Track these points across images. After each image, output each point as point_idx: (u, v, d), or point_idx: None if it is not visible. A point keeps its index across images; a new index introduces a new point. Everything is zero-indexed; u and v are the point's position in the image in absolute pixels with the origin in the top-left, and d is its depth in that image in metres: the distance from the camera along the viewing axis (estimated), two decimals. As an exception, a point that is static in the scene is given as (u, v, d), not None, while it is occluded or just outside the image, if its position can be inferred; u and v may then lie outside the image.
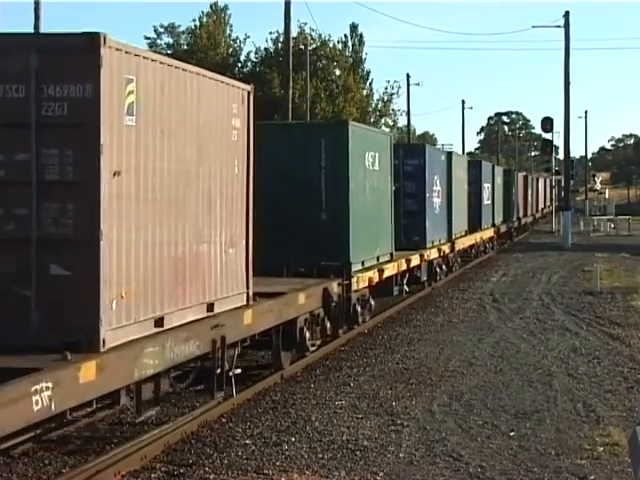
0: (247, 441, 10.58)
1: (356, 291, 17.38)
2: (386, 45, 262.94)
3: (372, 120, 60.93)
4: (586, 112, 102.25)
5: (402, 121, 70.81)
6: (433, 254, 25.92)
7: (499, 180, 43.79)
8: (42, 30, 37.08)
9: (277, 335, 13.90)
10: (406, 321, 20.22)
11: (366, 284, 18.13)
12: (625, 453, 9.47)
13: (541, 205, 76.80)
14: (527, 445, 10.37)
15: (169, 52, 65.06)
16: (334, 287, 16.15)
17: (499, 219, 43.09)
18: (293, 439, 10.64)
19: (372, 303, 19.02)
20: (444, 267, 28.18)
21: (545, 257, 37.80)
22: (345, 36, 63.70)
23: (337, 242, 16.97)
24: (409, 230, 24.31)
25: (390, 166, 20.82)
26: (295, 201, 17.09)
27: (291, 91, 38.64)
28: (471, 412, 11.83)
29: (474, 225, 35.21)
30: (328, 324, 15.98)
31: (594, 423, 11.29)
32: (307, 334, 14.80)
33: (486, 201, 38.60)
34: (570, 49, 45.78)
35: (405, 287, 22.88)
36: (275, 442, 10.53)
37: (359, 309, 17.90)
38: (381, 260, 19.81)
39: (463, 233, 32.05)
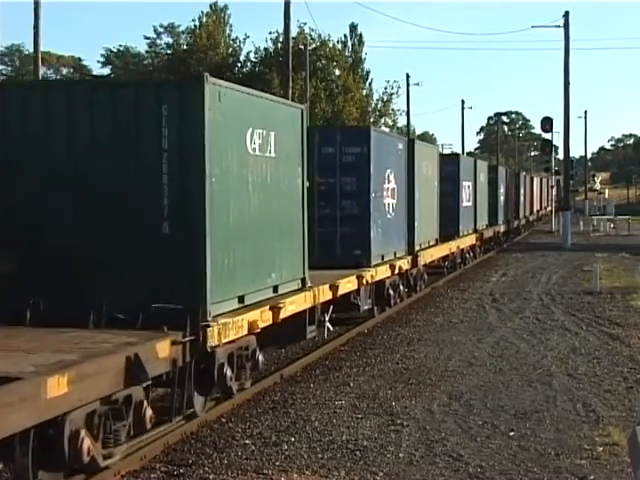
0: (247, 441, 10.59)
1: (221, 346, 11.08)
2: (386, 45, 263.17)
3: (372, 120, 60.92)
4: (586, 112, 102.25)
5: (402, 121, 70.86)
6: (382, 273, 19.47)
7: (483, 177, 37.69)
8: (41, 30, 37.04)
9: (23, 447, 7.93)
10: (406, 321, 20.22)
11: (244, 332, 11.70)
12: (625, 453, 9.48)
13: (536, 206, 69.10)
14: (527, 445, 10.37)
15: (169, 52, 65.12)
16: (161, 349, 9.77)
17: (483, 223, 37.37)
18: (293, 439, 10.64)
19: (260, 359, 12.58)
20: (401, 288, 21.99)
21: (545, 257, 37.79)
22: (345, 36, 63.87)
23: (183, 271, 10.70)
24: (347, 242, 18.76)
25: (301, 152, 14.46)
26: (118, 204, 10.94)
27: (291, 91, 38.64)
28: (471, 412, 11.83)
29: (449, 232, 29.13)
30: (149, 413, 9.58)
31: (594, 423, 11.30)
32: (85, 444, 8.49)
33: (465, 202, 32.55)
34: (570, 49, 45.76)
35: (329, 325, 16.55)
36: (275, 442, 10.54)
37: (229, 373, 11.50)
38: (282, 291, 13.45)
39: (432, 242, 25.68)
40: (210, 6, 63.34)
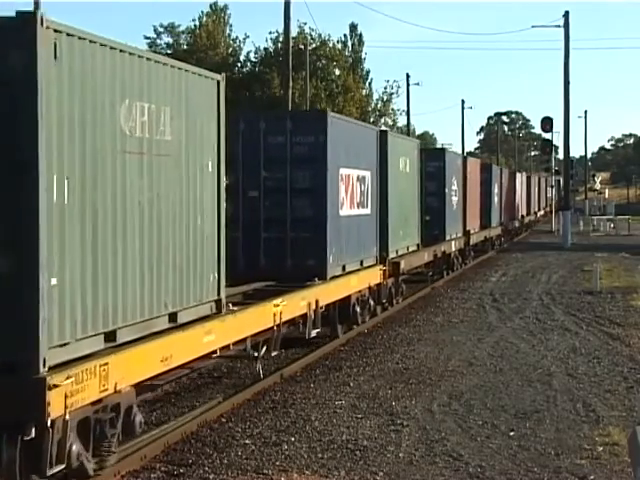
0: (247, 441, 10.59)
1: None
2: (386, 45, 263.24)
3: (372, 120, 60.88)
4: (586, 112, 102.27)
5: (402, 121, 70.84)
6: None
7: (408, 165, 22.65)
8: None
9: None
10: (406, 321, 20.22)
11: None
12: (625, 453, 9.48)
13: (522, 210, 55.49)
14: (527, 445, 10.37)
15: (169, 52, 65.13)
16: None
17: (407, 243, 22.47)
18: (293, 439, 10.64)
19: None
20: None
21: (545, 257, 37.79)
22: (345, 36, 63.83)
23: None
24: None
25: None
26: None
27: (291, 91, 38.61)
28: (471, 412, 11.83)
29: (299, 270, 15.72)
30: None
31: (594, 423, 11.29)
32: None
33: (358, 209, 17.96)
34: (570, 49, 45.87)
35: None
36: (275, 442, 10.53)
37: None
38: None
39: (203, 312, 11.31)
40: (210, 6, 63.32)
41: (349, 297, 17.30)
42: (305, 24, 57.82)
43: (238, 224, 15.57)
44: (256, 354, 13.05)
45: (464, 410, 11.93)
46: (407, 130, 68.39)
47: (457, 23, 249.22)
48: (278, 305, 13.42)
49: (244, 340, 12.51)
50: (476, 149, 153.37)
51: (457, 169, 31.09)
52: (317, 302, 15.23)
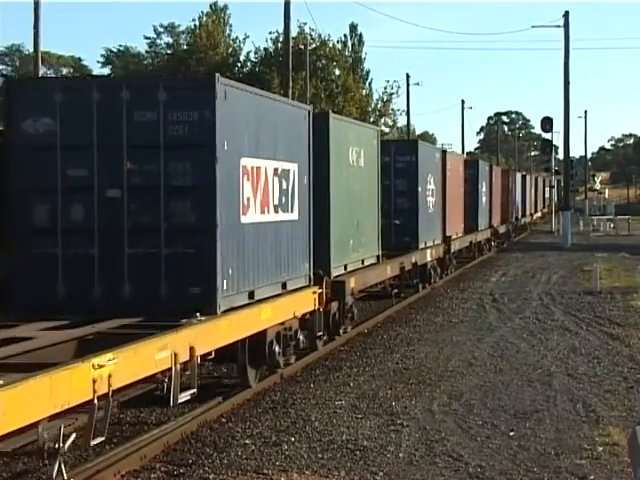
0: (247, 441, 10.58)
1: None
2: (386, 45, 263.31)
3: (372, 120, 60.92)
4: (586, 112, 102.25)
5: (402, 121, 70.86)
6: None
7: (360, 157, 17.92)
8: (41, 30, 37.06)
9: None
10: (406, 321, 20.22)
11: None
12: (625, 453, 9.47)
13: (517, 212, 52.16)
14: (527, 445, 10.36)
15: (169, 52, 65.17)
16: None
17: (361, 255, 18.14)
18: (293, 439, 10.64)
19: None
20: None
21: (545, 257, 37.80)
22: (345, 36, 63.96)
23: None
24: None
25: None
26: None
27: (291, 91, 38.62)
28: (471, 412, 11.82)
29: (190, 300, 11.05)
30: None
31: (594, 423, 11.29)
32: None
33: (277, 214, 13.29)
34: (570, 49, 45.87)
35: None
36: (275, 442, 10.53)
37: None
38: None
39: None
40: (210, 6, 63.38)
41: (264, 333, 12.76)
42: (305, 24, 58.03)
43: (92, 235, 11.29)
44: (57, 446, 8.17)
45: (464, 410, 11.93)
46: (407, 130, 68.42)
47: (457, 23, 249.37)
48: (102, 365, 8.40)
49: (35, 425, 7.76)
50: (476, 149, 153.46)
51: (434, 165, 26.24)
52: (192, 350, 10.22)
